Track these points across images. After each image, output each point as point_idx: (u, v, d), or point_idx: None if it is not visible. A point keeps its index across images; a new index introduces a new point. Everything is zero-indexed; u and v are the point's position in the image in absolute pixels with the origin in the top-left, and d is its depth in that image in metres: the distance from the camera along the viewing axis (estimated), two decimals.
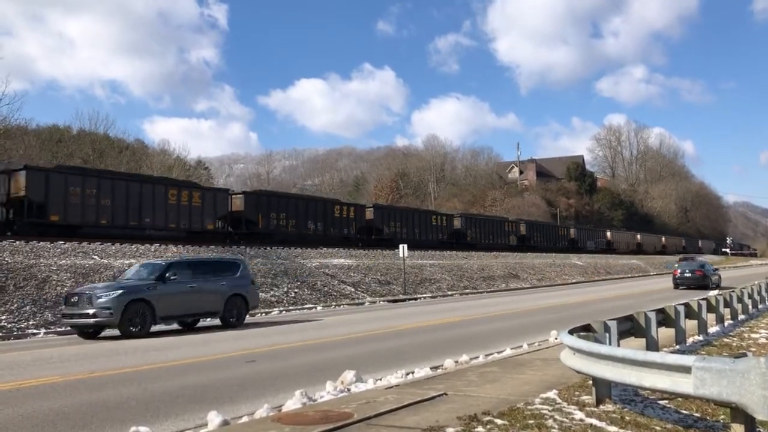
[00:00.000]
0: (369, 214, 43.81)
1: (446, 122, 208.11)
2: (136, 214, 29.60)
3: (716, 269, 39.52)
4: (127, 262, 24.99)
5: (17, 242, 23.76)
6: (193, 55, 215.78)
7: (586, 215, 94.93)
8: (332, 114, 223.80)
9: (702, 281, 33.94)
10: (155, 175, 42.82)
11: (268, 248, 33.83)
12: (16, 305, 19.40)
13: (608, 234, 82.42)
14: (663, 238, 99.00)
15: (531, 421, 6.29)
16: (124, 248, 26.75)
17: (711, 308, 14.20)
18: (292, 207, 37.70)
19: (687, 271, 35.63)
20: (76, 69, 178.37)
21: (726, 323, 15.15)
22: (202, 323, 19.27)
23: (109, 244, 26.73)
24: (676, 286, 34.95)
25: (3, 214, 26.52)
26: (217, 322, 18.94)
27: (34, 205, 25.97)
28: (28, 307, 19.50)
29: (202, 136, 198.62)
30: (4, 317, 18.61)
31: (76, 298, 16.35)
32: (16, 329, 18.22)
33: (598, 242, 79.21)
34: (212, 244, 31.88)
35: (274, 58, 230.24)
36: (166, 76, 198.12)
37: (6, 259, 21.97)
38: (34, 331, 18.31)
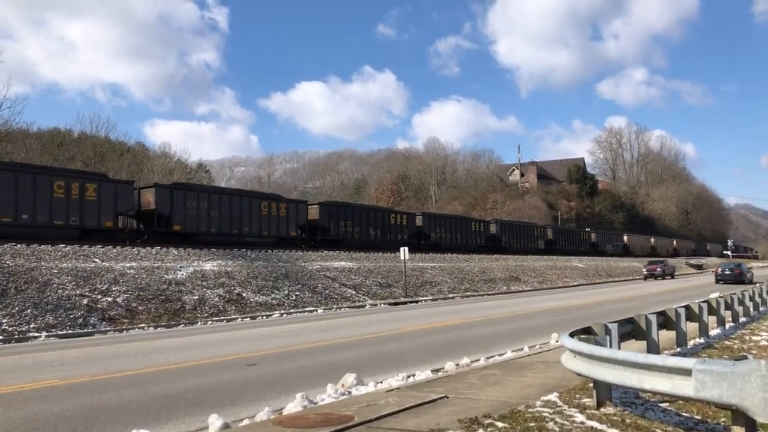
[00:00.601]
0: (419, 221, 48.12)
1: (447, 125, 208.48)
2: (237, 224, 34.02)
3: (750, 268, 50.68)
4: (128, 265, 25.02)
5: (18, 245, 23.78)
6: (194, 58, 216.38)
7: (587, 218, 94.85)
8: (333, 117, 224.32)
9: (739, 277, 41.67)
10: (250, 190, 49.67)
11: (269, 251, 33.86)
12: (17, 308, 19.42)
13: (625, 238, 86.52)
14: (674, 242, 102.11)
15: (532, 424, 6.29)
16: (125, 251, 26.77)
17: (712, 311, 14.20)
18: (356, 216, 42.12)
19: (727, 269, 43.98)
20: (77, 72, 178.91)
21: (727, 326, 15.15)
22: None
23: (110, 247, 26.77)
24: (717, 281, 42.25)
25: (134, 225, 31.95)
26: (221, 324, 18.93)
27: (162, 217, 30.49)
28: (29, 311, 19.52)
29: (203, 139, 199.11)
30: (5, 320, 18.62)
31: None
32: (17, 332, 18.23)
33: (616, 246, 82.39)
34: (291, 248, 36.09)
35: (274, 60, 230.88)
36: (166, 79, 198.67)
37: (7, 262, 21.99)
38: (35, 334, 18.33)
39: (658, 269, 55.35)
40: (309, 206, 39.44)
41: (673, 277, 56.58)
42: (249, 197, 36.02)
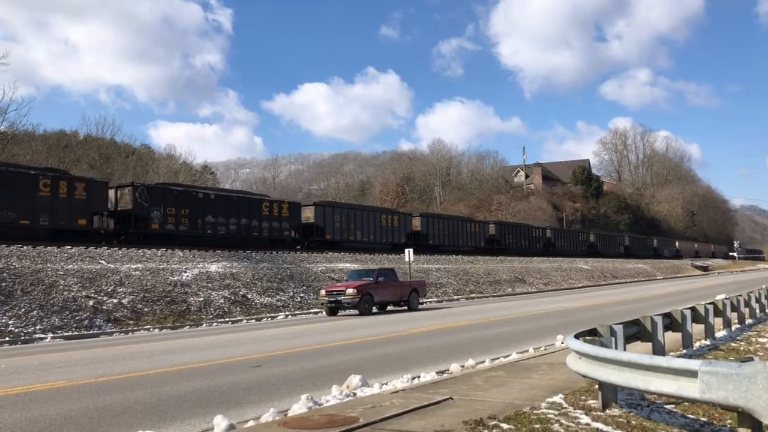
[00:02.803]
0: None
1: (451, 126, 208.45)
2: (367, 233, 42.63)
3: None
4: (133, 266, 25.09)
5: (25, 247, 23.88)
6: (198, 60, 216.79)
7: (593, 219, 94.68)
8: (337, 118, 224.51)
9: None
10: (377, 206, 61.25)
11: (274, 253, 33.88)
12: (23, 310, 19.50)
13: (655, 241, 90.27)
14: (696, 245, 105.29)
15: (537, 426, 6.28)
16: (130, 252, 26.85)
17: (718, 312, 14.15)
18: (450, 226, 50.66)
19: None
20: (80, 75, 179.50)
21: (733, 327, 15.09)
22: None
23: (116, 248, 26.86)
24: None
25: (293, 235, 38.52)
26: (226, 325, 18.97)
27: (318, 228, 39.01)
28: (35, 312, 19.59)
29: (207, 141, 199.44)
30: (11, 322, 18.70)
31: None
32: (23, 334, 18.31)
33: (670, 250, 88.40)
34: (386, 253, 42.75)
35: (277, 62, 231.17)
36: (170, 81, 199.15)
37: (14, 264, 22.08)
38: (41, 335, 18.41)
39: (351, 293, 24.39)
40: (413, 217, 45.79)
41: (411, 307, 27.02)
42: (375, 212, 45.82)
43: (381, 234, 44.10)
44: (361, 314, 23.95)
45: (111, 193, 29.82)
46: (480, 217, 63.98)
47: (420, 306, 27.36)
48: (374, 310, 25.34)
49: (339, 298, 24.12)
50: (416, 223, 47.68)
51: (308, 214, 39.14)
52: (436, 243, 48.66)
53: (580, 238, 73.15)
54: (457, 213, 65.89)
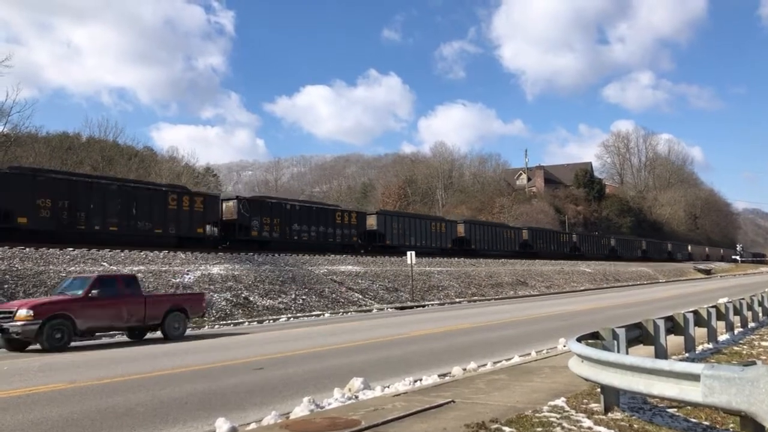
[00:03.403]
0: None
1: (453, 129, 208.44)
2: (419, 238, 46.43)
3: None
4: (136, 268, 25.11)
5: (27, 249, 23.91)
6: (200, 62, 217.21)
7: (595, 222, 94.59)
8: (339, 120, 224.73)
9: None
10: (429, 215, 63.41)
11: (276, 255, 33.90)
12: None
13: (669, 246, 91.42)
14: (706, 249, 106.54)
15: (539, 429, 6.28)
16: (132, 255, 26.88)
17: (720, 316, 14.12)
18: (489, 232, 53.85)
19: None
20: (83, 77, 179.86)
21: (736, 331, 15.06)
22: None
23: (118, 251, 26.90)
24: None
25: (359, 241, 41.79)
26: (228, 328, 18.95)
27: (380, 235, 43.16)
28: None
29: (209, 143, 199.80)
30: None
31: None
32: None
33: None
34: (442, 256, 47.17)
35: (279, 64, 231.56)
36: (173, 84, 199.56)
37: (16, 265, 22.11)
38: None
39: (25, 315, 15.51)
40: (457, 224, 47.12)
41: (168, 336, 18.53)
42: (428, 219, 50.73)
43: (431, 239, 48.59)
44: (49, 350, 15.05)
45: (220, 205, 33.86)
46: (513, 224, 66.82)
47: (422, 309, 27.09)
48: (374, 311, 24.09)
49: (4, 325, 15.02)
50: (461, 230, 52.54)
51: (372, 222, 43.52)
52: (477, 248, 53.34)
53: (602, 242, 74.22)
54: (495, 221, 69.13)
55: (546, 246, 63.95)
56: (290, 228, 36.61)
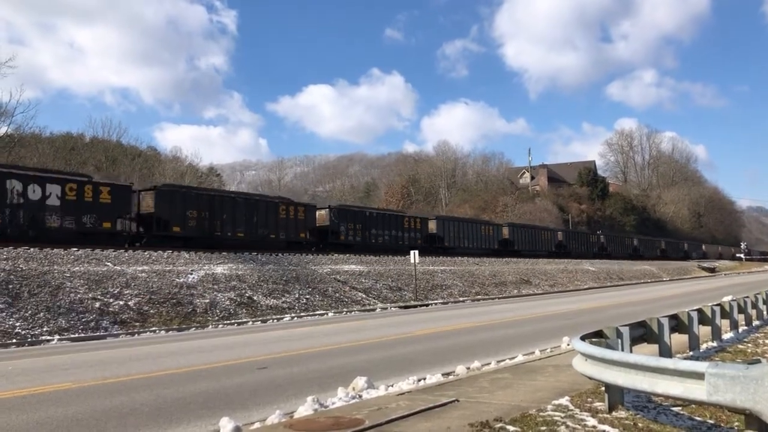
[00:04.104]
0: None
1: (456, 128, 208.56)
2: (471, 240, 51.72)
3: None
4: (140, 268, 25.16)
5: (31, 249, 23.97)
6: (203, 62, 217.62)
7: (598, 221, 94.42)
8: (341, 120, 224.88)
9: None
10: (480, 218, 63.66)
11: (280, 254, 33.95)
12: (30, 312, 19.57)
13: (685, 245, 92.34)
14: (719, 248, 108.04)
15: (543, 428, 6.28)
16: (136, 255, 26.92)
17: (725, 314, 14.10)
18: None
19: None
20: (87, 77, 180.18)
21: (740, 329, 15.03)
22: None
23: (122, 251, 26.94)
24: None
25: (422, 243, 45.18)
26: (232, 327, 18.96)
27: (439, 238, 48.12)
28: (42, 314, 19.66)
29: (212, 143, 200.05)
30: (18, 324, 18.77)
31: None
32: (30, 336, 18.37)
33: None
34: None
35: (282, 64, 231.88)
36: (176, 84, 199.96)
37: (20, 266, 22.17)
38: (48, 337, 18.46)
39: None
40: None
41: None
42: (474, 223, 54.52)
43: (481, 241, 53.63)
44: None
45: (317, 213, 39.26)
46: (553, 225, 69.63)
47: (425, 308, 27.21)
48: (378, 310, 24.60)
49: None
50: (506, 232, 57.04)
51: (432, 227, 48.55)
52: (519, 248, 57.46)
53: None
54: (537, 223, 71.18)
55: (577, 246, 67.68)
56: (369, 232, 42.17)
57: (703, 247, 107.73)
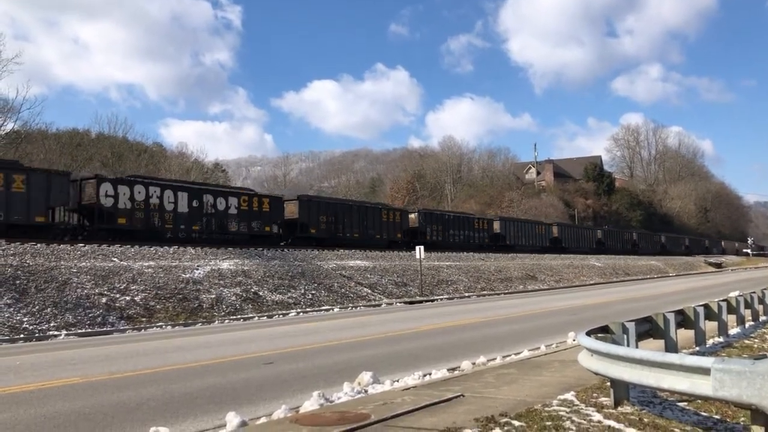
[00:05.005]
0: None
1: (461, 123, 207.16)
2: (528, 239, 58.40)
3: None
4: (146, 264, 25.24)
5: (38, 245, 24.08)
6: (208, 57, 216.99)
7: (604, 216, 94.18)
8: (346, 115, 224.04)
9: None
10: (534, 220, 65.11)
11: (286, 250, 34.01)
12: (37, 307, 19.68)
13: (707, 242, 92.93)
14: (736, 244, 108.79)
15: (549, 423, 6.27)
16: (143, 250, 27.01)
17: (731, 309, 14.05)
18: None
19: None
20: (92, 73, 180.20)
21: (747, 324, 14.98)
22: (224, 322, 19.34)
23: (128, 246, 27.02)
24: None
25: (488, 241, 52.71)
26: (238, 322, 19.03)
27: (502, 236, 54.55)
28: (49, 309, 19.77)
29: (217, 139, 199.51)
30: (26, 319, 18.88)
31: None
32: (37, 331, 18.48)
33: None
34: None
35: (286, 60, 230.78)
36: (181, 80, 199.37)
37: (27, 261, 22.28)
38: (55, 332, 18.56)
39: None
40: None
41: None
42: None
43: (533, 239, 59.79)
44: None
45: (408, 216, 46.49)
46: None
47: (431, 303, 27.27)
48: (383, 305, 24.97)
49: None
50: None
51: (497, 227, 55.29)
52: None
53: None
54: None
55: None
56: (448, 233, 49.09)
57: (706, 242, 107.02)
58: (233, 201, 33.37)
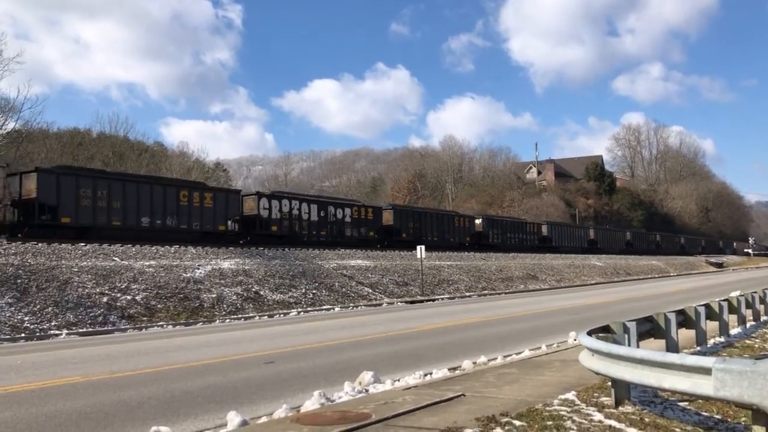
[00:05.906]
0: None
1: (462, 122, 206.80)
2: (569, 241, 64.51)
3: None
4: (147, 263, 25.26)
5: (40, 244, 24.11)
6: (209, 57, 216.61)
7: (606, 216, 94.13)
8: (347, 114, 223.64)
9: None
10: (576, 224, 72.48)
11: (287, 249, 34.01)
12: (38, 306, 19.69)
13: (720, 243, 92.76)
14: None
15: (549, 423, 6.27)
16: (144, 250, 27.03)
17: (732, 309, 14.04)
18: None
19: None
20: (93, 72, 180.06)
21: (748, 324, 14.97)
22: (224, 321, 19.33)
23: (129, 245, 27.04)
24: None
25: (537, 243, 60.07)
26: (239, 322, 19.03)
27: (549, 239, 62.28)
28: (50, 309, 19.78)
29: (218, 138, 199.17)
30: (27, 318, 18.89)
31: None
32: (38, 330, 18.49)
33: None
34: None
35: (287, 59, 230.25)
36: (182, 79, 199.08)
37: (29, 260, 22.29)
38: (56, 332, 18.57)
39: None
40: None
41: None
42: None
43: (575, 240, 66.29)
44: None
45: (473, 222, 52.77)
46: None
47: (432, 303, 27.29)
48: (384, 305, 25.03)
49: None
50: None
51: (544, 230, 61.63)
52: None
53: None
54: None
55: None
56: (506, 236, 55.42)
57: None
58: (348, 211, 40.20)
